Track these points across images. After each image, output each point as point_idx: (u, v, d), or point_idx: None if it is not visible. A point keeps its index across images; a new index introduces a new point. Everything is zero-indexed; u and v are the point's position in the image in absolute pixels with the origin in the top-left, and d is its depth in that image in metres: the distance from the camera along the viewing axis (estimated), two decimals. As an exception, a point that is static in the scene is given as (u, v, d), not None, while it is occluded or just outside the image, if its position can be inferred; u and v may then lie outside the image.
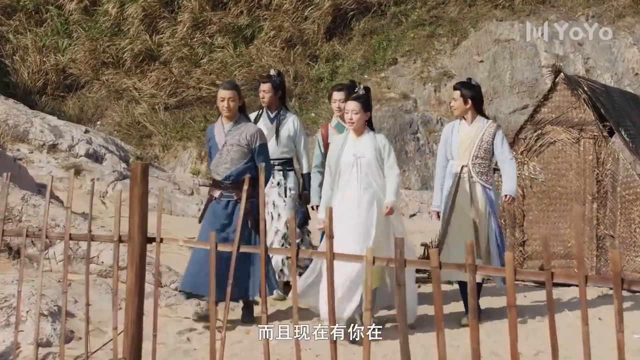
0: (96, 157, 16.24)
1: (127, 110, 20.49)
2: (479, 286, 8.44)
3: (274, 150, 9.32)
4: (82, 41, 21.89)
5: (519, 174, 9.76)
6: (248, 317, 8.30)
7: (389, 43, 20.96)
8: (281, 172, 9.52)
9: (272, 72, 9.93)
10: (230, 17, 21.80)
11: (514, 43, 20.03)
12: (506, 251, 7.04)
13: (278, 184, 9.48)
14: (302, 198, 9.65)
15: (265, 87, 9.70)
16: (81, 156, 15.88)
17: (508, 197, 8.59)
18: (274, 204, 9.41)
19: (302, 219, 9.64)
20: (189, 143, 19.40)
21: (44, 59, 21.47)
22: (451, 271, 7.79)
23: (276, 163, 9.45)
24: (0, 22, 22.27)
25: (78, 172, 14.73)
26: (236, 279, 7.52)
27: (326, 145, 9.17)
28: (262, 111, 9.75)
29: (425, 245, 11.17)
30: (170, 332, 7.83)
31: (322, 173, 9.03)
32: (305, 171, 9.72)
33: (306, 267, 8.20)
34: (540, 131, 10.43)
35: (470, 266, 3.78)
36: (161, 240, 4.74)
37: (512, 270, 3.73)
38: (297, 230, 9.17)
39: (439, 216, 8.85)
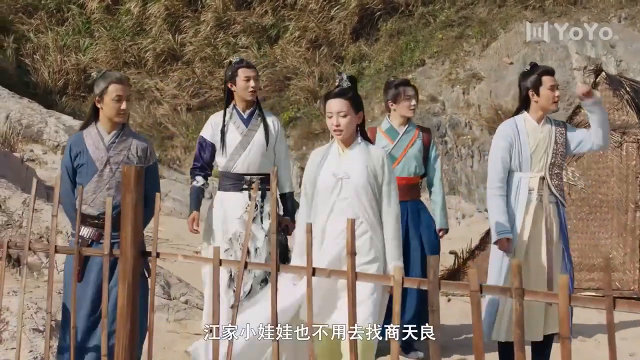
0: (113, 159, 15.82)
1: (148, 111, 20.22)
2: (548, 342, 6.82)
3: (250, 162, 7.24)
4: (103, 40, 21.66)
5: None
6: None
7: (417, 44, 20.50)
8: (259, 192, 7.19)
9: (235, 58, 7.71)
10: (255, 16, 21.49)
11: (544, 45, 19.47)
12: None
13: (255, 207, 7.11)
14: (281, 225, 7.28)
15: (253, 73, 7.32)
16: (97, 158, 15.46)
17: None
18: (250, 235, 6.94)
19: (280, 251, 6.97)
20: (211, 145, 18.97)
21: (65, 59, 21.19)
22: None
23: (253, 179, 7.14)
24: (21, 20, 22.05)
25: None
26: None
27: None
28: (232, 111, 7.36)
29: (454, 253, 10.66)
30: (178, 350, 7.33)
31: None
32: (287, 190, 7.45)
33: None
34: (580, 134, 9.82)
35: (517, 290, 3.21)
36: (157, 255, 4.17)
37: (566, 296, 3.15)
38: None
39: (509, 243, 6.57)
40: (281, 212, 7.43)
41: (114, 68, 21.02)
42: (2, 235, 7.91)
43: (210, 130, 7.33)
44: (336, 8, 21.10)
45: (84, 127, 6.21)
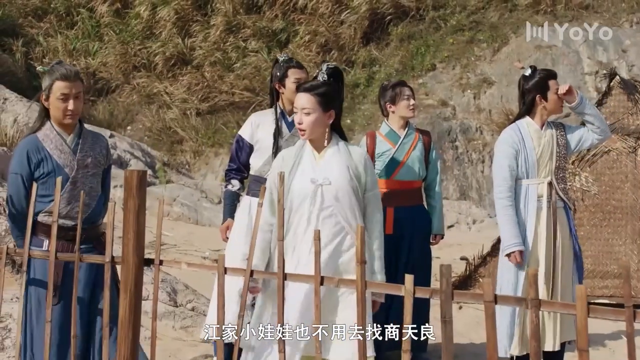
0: (120, 163, 15.78)
1: (158, 115, 20.15)
2: (561, 351, 6.66)
3: None
4: (113, 44, 21.62)
5: (570, 185, 8.97)
6: None
7: (427, 48, 20.38)
8: None
9: (283, 56, 6.95)
10: (265, 20, 21.41)
11: (555, 49, 19.34)
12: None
13: None
14: None
15: (304, 74, 6.76)
16: (105, 161, 15.40)
17: None
18: None
19: None
20: (220, 150, 18.98)
21: (74, 62, 21.08)
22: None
23: None
24: (30, 24, 22.03)
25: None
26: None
27: (373, 160, 7.08)
28: (278, 114, 6.71)
29: (465, 259, 10.53)
30: (184, 358, 7.20)
31: None
32: None
33: None
34: (593, 139, 9.64)
35: (533, 301, 3.08)
36: (160, 262, 4.05)
37: (585, 307, 3.03)
38: None
39: (522, 257, 6.43)
40: None
41: (123, 72, 21.00)
42: (7, 240, 7.80)
43: (249, 130, 6.74)
44: (346, 12, 21.00)
45: (37, 129, 5.34)
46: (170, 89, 20.62)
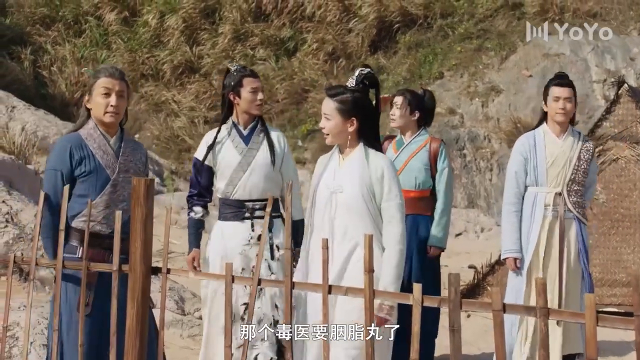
0: (128, 171, 15.78)
1: (166, 123, 20.18)
2: None
3: (252, 186, 6.15)
4: (121, 52, 21.69)
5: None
6: None
7: (435, 57, 20.37)
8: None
9: (235, 65, 6.42)
10: (273, 29, 21.47)
11: (563, 57, 19.29)
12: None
13: (259, 239, 5.95)
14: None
15: (259, 83, 6.33)
16: (112, 170, 15.42)
17: None
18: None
19: None
20: (228, 158, 18.91)
21: (82, 71, 21.14)
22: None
23: (257, 206, 6.12)
24: (38, 32, 22.08)
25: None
26: None
27: None
28: (231, 127, 6.23)
29: (473, 268, 10.50)
30: (191, 368, 7.21)
31: None
32: (297, 217, 6.01)
33: None
34: (601, 147, 9.54)
35: (541, 310, 3.07)
36: (168, 271, 4.04)
37: (594, 316, 3.01)
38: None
39: (517, 265, 6.46)
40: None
41: (131, 80, 21.02)
42: (14, 248, 7.81)
43: (205, 151, 6.25)
44: (354, 20, 21.03)
45: (79, 128, 5.13)
46: (178, 97, 20.67)
